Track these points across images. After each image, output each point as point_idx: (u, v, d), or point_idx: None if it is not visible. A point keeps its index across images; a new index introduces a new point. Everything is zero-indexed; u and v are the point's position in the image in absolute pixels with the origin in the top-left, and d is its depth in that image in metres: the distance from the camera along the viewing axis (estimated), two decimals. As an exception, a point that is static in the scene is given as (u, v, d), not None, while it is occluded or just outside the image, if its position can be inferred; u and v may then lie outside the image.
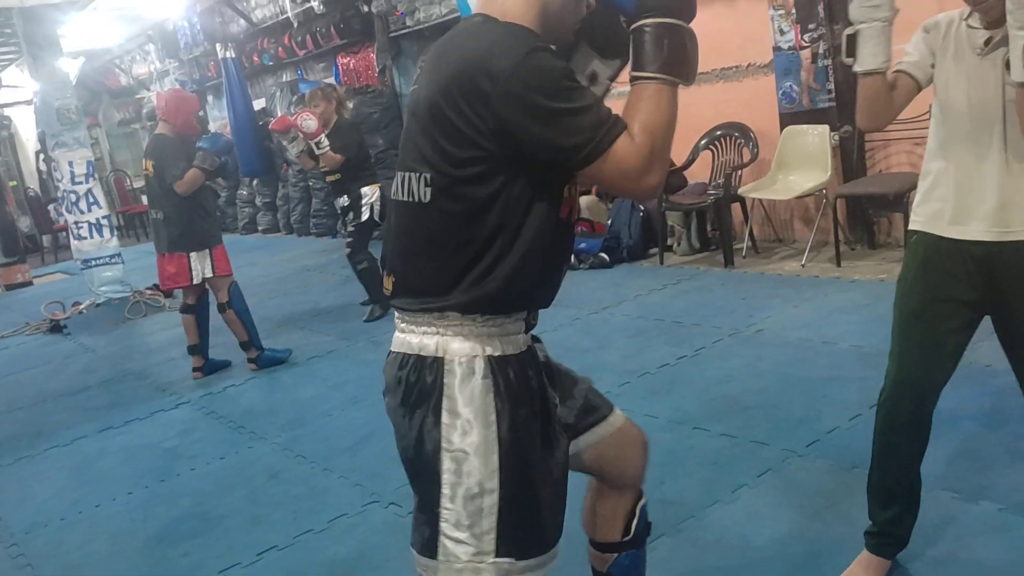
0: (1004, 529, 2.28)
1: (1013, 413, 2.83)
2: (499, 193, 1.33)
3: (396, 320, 1.49)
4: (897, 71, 1.96)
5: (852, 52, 1.85)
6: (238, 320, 4.81)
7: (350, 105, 5.77)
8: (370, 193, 5.43)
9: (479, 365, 1.40)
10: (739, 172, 5.61)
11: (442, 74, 1.33)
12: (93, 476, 3.77)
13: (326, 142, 5.24)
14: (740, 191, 5.51)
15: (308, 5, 9.03)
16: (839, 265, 4.95)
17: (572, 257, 6.03)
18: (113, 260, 7.60)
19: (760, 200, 5.66)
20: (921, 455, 2.09)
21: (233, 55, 10.24)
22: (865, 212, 5.24)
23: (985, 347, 3.41)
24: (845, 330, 3.87)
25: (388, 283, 1.49)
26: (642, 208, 6.07)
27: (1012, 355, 2.02)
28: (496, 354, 1.41)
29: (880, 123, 2.02)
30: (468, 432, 1.39)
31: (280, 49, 9.84)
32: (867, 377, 3.17)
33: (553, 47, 1.32)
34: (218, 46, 10.44)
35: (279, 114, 10.35)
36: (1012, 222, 1.86)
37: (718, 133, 5.80)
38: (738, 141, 5.70)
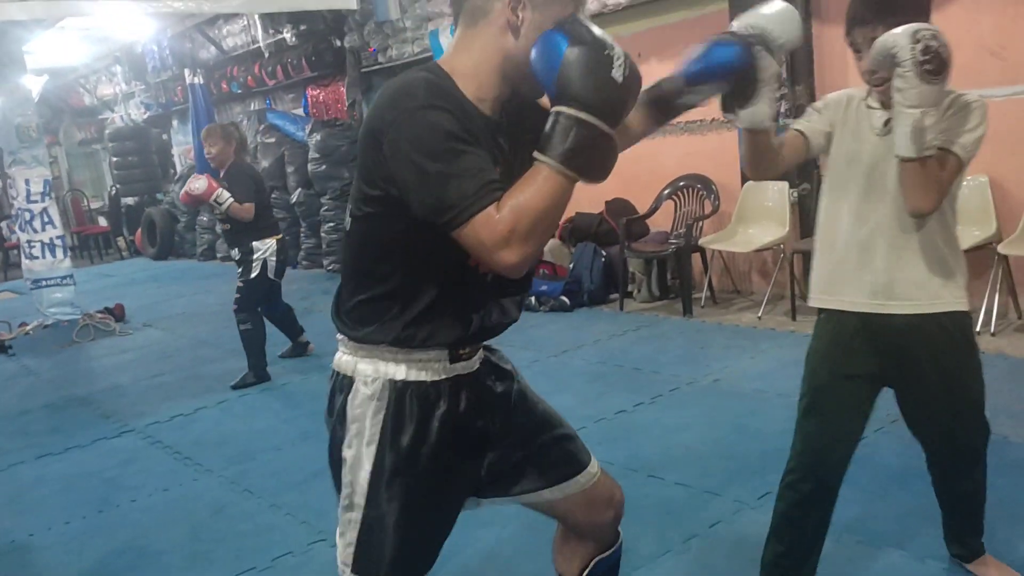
0: (951, 588, 2.29)
1: (961, 472, 2.87)
2: (402, 235, 1.37)
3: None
4: (793, 128, 2.04)
5: (730, 108, 1.82)
6: None
7: (250, 150, 5.37)
8: (263, 247, 4.90)
9: (376, 387, 1.47)
10: (700, 223, 5.70)
11: (367, 115, 1.39)
12: (29, 504, 3.63)
13: (226, 196, 4.71)
14: (701, 242, 5.59)
15: (280, 36, 9.05)
16: (795, 319, 5.02)
17: (533, 299, 6.05)
18: (64, 281, 7.44)
19: (720, 251, 5.74)
20: (823, 534, 2.09)
21: (201, 81, 10.19)
22: (821, 268, 5.34)
23: (935, 406, 3.47)
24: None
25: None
26: (604, 254, 6.11)
27: (906, 418, 2.10)
28: (399, 378, 1.46)
29: (767, 175, 2.05)
30: (351, 446, 1.48)
31: (250, 78, 9.82)
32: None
33: (450, 107, 1.29)
34: (187, 71, 10.39)
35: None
36: (903, 295, 1.92)
37: (681, 184, 5.90)
38: (700, 193, 5.80)
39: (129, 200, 12.94)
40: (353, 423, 1.48)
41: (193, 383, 4.93)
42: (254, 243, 4.89)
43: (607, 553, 1.76)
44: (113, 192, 13.35)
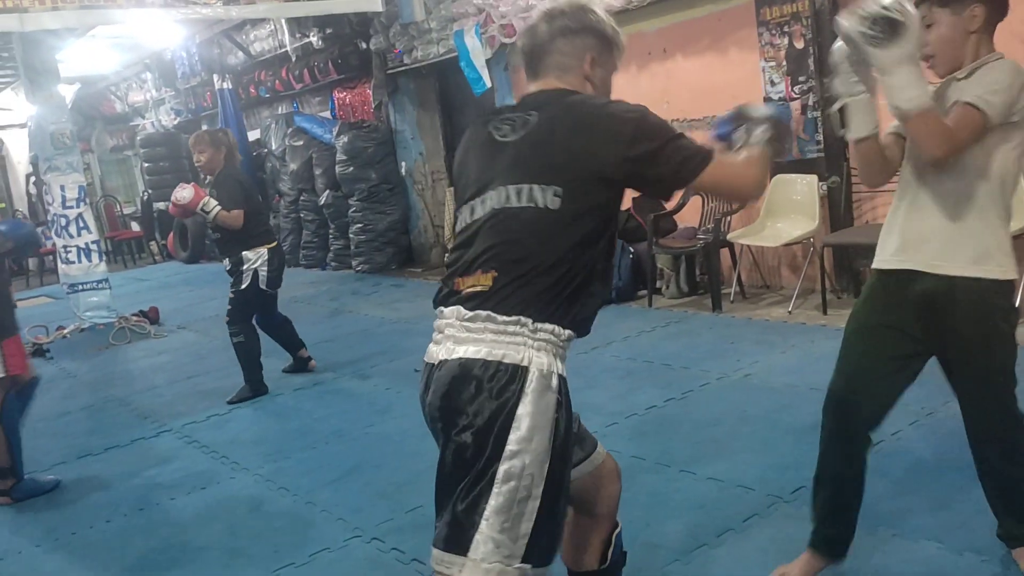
0: (988, 581, 2.28)
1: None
2: (598, 216, 1.61)
3: (457, 328, 1.59)
4: (889, 132, 2.08)
5: (844, 123, 2.03)
6: (4, 443, 3.70)
7: (240, 156, 5.10)
8: (254, 257, 4.71)
9: (554, 381, 1.57)
10: (728, 218, 5.67)
11: (572, 116, 1.65)
12: (71, 503, 3.71)
13: (212, 203, 4.59)
14: (729, 237, 5.56)
15: (307, 40, 9.14)
16: (825, 313, 4.98)
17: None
18: (100, 285, 7.57)
19: (748, 246, 5.71)
20: (851, 474, 2.19)
21: (230, 86, 10.30)
22: (851, 261, 5.30)
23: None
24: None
25: (478, 285, 1.59)
26: (632, 250, 6.11)
27: (951, 384, 2.13)
28: (562, 373, 1.60)
29: (880, 180, 2.12)
30: (532, 440, 1.52)
31: (277, 82, 9.93)
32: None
33: None
34: (215, 77, 10.51)
35: (274, 146, 10.43)
36: (939, 257, 1.98)
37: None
38: (728, 187, 5.76)
39: (161, 205, 13.10)
40: (538, 416, 1.53)
41: (228, 383, 5.00)
42: (244, 253, 4.70)
43: (619, 530, 1.91)
44: (145, 197, 13.54)
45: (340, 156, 8.94)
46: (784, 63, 5.29)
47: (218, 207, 4.59)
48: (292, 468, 3.75)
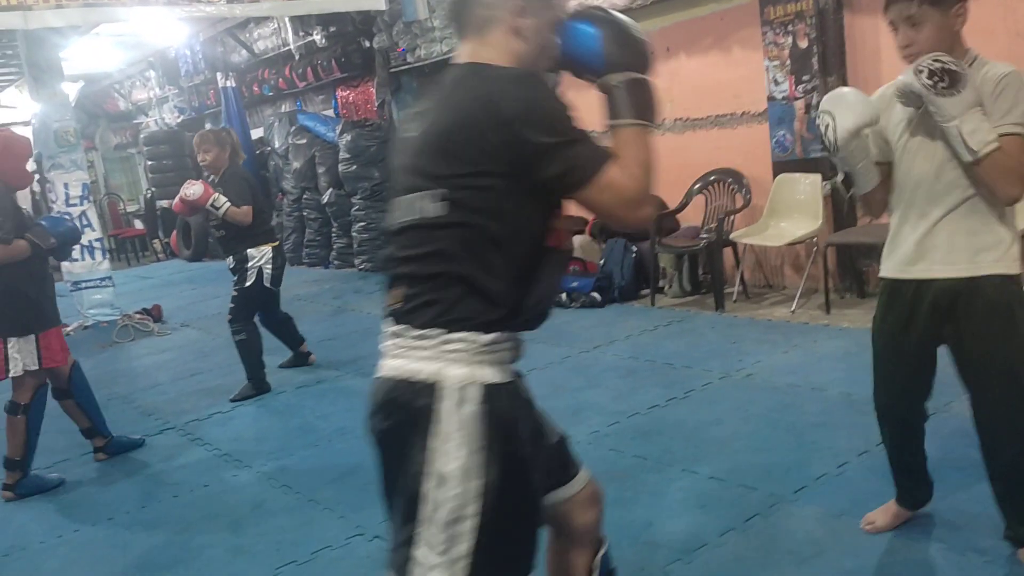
0: (991, 581, 2.28)
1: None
2: (503, 212, 1.44)
3: (388, 345, 1.53)
4: (877, 164, 2.19)
5: (850, 186, 2.21)
6: (22, 436, 3.78)
7: (244, 155, 5.06)
8: (258, 255, 4.74)
9: (472, 392, 1.45)
10: (731, 217, 5.66)
11: (459, 107, 1.46)
12: (74, 500, 3.72)
13: (223, 200, 4.61)
14: (732, 236, 5.56)
15: (310, 39, 9.14)
16: (828, 312, 4.98)
17: (564, 295, 6.06)
18: (103, 283, 7.59)
19: (751, 246, 5.71)
20: (916, 450, 2.43)
21: (233, 84, 10.31)
22: (855, 261, 5.29)
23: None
24: (834, 377, 3.89)
25: (393, 302, 1.53)
26: (635, 249, 6.11)
27: (965, 382, 2.21)
28: (489, 381, 1.46)
29: (884, 210, 2.28)
30: (453, 458, 1.43)
31: (280, 80, 9.93)
32: (856, 424, 3.18)
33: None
34: (219, 75, 10.52)
35: (277, 144, 10.44)
36: (940, 260, 2.09)
37: (712, 178, 5.87)
38: (731, 187, 5.77)
39: (164, 203, 13.13)
40: (455, 433, 1.43)
41: (231, 381, 5.01)
42: (249, 251, 4.73)
43: (604, 550, 1.80)
44: (148, 195, 13.56)
45: (343, 154, 8.95)
46: (788, 62, 5.28)
47: (228, 203, 4.61)
48: (294, 466, 3.76)
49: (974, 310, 2.06)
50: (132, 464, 4.07)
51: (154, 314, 7.69)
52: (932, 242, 2.09)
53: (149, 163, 13.18)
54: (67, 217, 4.18)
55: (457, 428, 1.43)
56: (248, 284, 4.76)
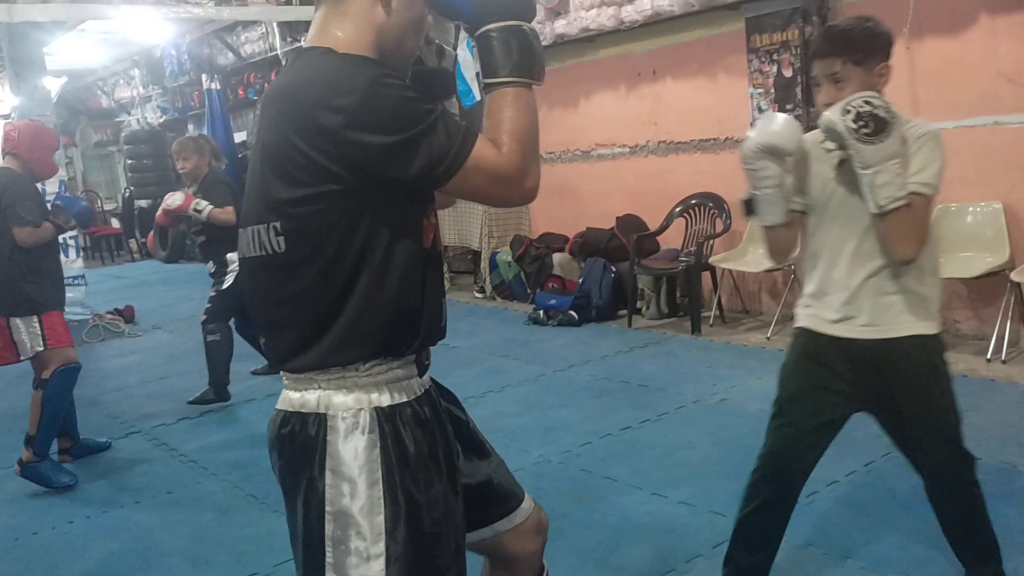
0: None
1: (967, 500, 2.84)
2: (354, 230, 1.28)
3: (283, 377, 1.41)
4: (791, 211, 2.12)
5: (751, 211, 2.09)
6: (39, 409, 3.73)
7: (226, 161, 4.99)
8: (237, 259, 4.72)
9: (364, 419, 1.32)
10: (711, 241, 5.69)
11: (282, 115, 1.28)
12: (34, 502, 3.64)
13: (204, 203, 4.58)
14: (711, 260, 5.58)
15: (298, 44, 9.12)
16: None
17: (542, 313, 6.04)
18: (76, 281, 7.47)
19: (730, 270, 5.73)
20: (778, 543, 2.20)
21: (218, 87, 10.25)
22: (831, 290, 5.32)
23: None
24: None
25: (266, 349, 1.42)
26: (613, 269, 6.11)
27: (897, 446, 2.16)
28: (385, 404, 1.34)
29: (786, 258, 2.21)
30: (351, 492, 1.30)
31: (266, 84, 9.89)
32: (826, 455, 3.18)
33: (392, 70, 1.30)
34: (204, 76, 10.46)
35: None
36: (868, 321, 2.01)
37: (693, 202, 5.90)
38: (712, 211, 5.80)
39: (143, 203, 13.02)
40: (349, 465, 1.30)
41: (200, 386, 4.92)
42: (229, 255, 4.67)
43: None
44: (127, 194, 13.44)
45: (326, 162, 8.91)
46: (772, 90, 5.33)
47: (209, 206, 4.57)
48: (261, 476, 3.69)
49: (901, 370, 2.03)
50: (96, 468, 4.00)
51: (126, 315, 7.59)
52: (857, 304, 2.02)
53: (129, 162, 13.06)
54: (81, 198, 4.17)
55: (352, 460, 1.30)
56: (226, 286, 4.71)
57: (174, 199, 4.62)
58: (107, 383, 5.66)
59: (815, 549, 2.63)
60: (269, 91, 1.38)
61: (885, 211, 1.87)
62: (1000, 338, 4.32)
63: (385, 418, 1.33)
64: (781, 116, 2.02)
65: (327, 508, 1.31)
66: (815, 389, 2.09)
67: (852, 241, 2.01)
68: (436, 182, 1.27)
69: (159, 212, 4.78)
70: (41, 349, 3.74)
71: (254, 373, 5.22)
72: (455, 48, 1.55)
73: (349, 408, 1.32)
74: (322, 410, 1.33)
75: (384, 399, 1.34)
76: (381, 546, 1.30)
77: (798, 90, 5.19)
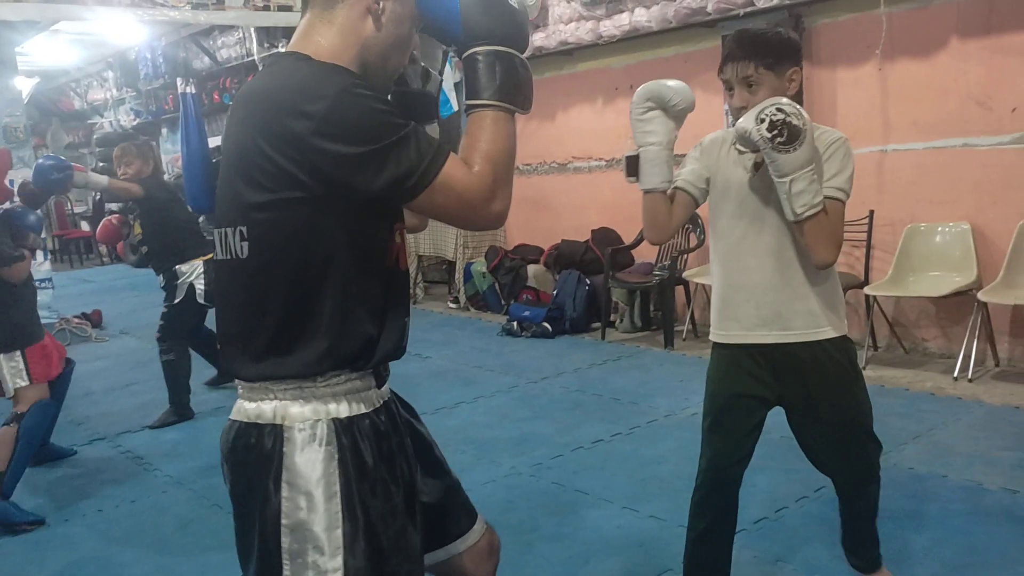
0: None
1: (934, 517, 2.87)
2: (315, 241, 1.26)
3: (237, 386, 1.38)
4: (675, 187, 2.12)
5: (634, 172, 2.04)
6: (10, 445, 3.42)
7: (164, 169, 4.89)
8: (188, 270, 4.51)
9: (320, 430, 1.29)
10: (685, 256, 5.72)
11: (251, 119, 1.26)
12: (-9, 510, 3.55)
13: (96, 176, 4.52)
14: (685, 275, 5.61)
15: (275, 50, 9.06)
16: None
17: (515, 324, 6.03)
18: (43, 284, 7.32)
19: (703, 285, 5.76)
20: (730, 550, 2.25)
21: (193, 91, 10.12)
22: (803, 306, 5.36)
23: (909, 450, 3.49)
24: (777, 421, 3.88)
25: (221, 351, 1.40)
26: (588, 282, 6.12)
27: (800, 441, 2.23)
28: (343, 416, 1.31)
29: (663, 236, 2.18)
30: (308, 506, 1.28)
31: (242, 90, 9.83)
32: (795, 469, 3.19)
33: (365, 81, 1.28)
34: (179, 80, 10.36)
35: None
36: (788, 325, 2.04)
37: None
38: (686, 226, 5.83)
39: (113, 206, 12.85)
40: (306, 478, 1.28)
41: (166, 394, 4.85)
42: (178, 266, 4.50)
43: None
44: (97, 198, 13.26)
45: (301, 169, 8.86)
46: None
47: (107, 177, 4.38)
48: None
49: (825, 372, 2.07)
50: (58, 474, 3.92)
51: (93, 319, 7.47)
52: (777, 308, 2.04)
53: (101, 164, 12.88)
54: (28, 210, 3.86)
55: (309, 472, 1.28)
56: (177, 300, 4.51)
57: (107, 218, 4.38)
58: (72, 389, 5.51)
59: (784, 564, 2.63)
60: (241, 93, 1.37)
61: (802, 218, 1.89)
62: (967, 357, 4.37)
63: (343, 430, 1.31)
64: (677, 82, 2.00)
65: (283, 521, 1.28)
66: (742, 397, 2.13)
67: (771, 244, 2.02)
68: (402, 197, 1.25)
69: (98, 235, 4.57)
70: (24, 384, 3.54)
71: (208, 384, 5.05)
72: (441, 72, 1.52)
73: (306, 419, 1.30)
74: (278, 421, 1.30)
75: (342, 410, 1.32)
76: (339, 560, 1.28)
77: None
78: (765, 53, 1.96)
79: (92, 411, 4.92)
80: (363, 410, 1.34)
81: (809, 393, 2.10)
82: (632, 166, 2.03)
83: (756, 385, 2.12)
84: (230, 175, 1.30)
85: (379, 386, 1.39)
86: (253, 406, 1.33)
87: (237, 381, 1.38)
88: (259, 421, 1.32)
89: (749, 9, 5.14)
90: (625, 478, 3.43)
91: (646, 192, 2.06)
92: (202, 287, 4.52)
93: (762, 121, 1.83)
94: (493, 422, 4.18)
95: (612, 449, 3.77)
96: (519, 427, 4.09)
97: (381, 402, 1.39)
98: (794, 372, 2.09)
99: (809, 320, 2.04)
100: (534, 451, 3.76)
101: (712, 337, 2.19)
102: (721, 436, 2.17)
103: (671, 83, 1.97)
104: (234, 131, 1.31)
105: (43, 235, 7.33)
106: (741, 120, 1.89)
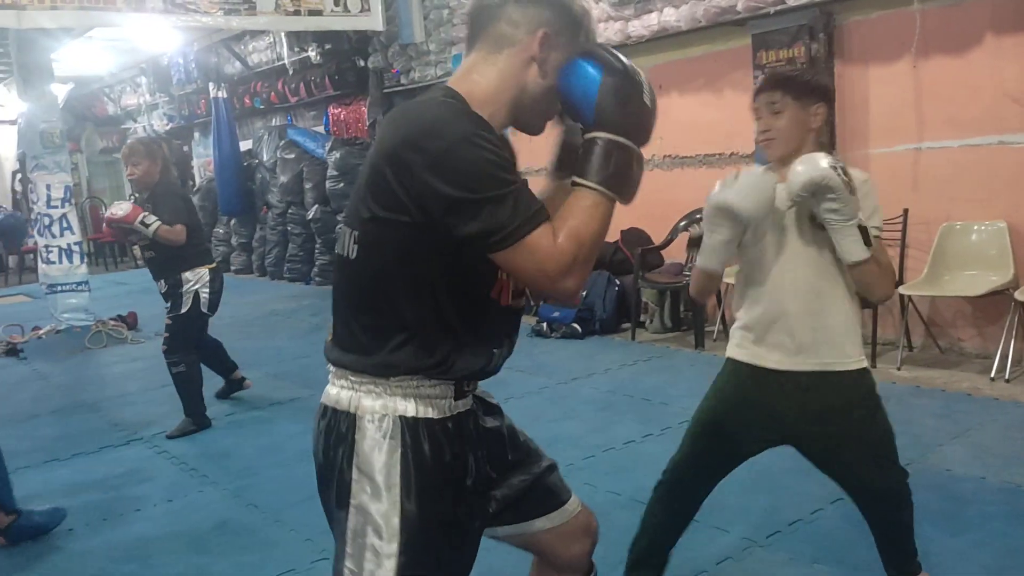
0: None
1: (972, 520, 2.83)
2: (413, 261, 1.34)
3: (329, 369, 1.51)
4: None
5: (695, 246, 2.09)
6: None
7: (175, 170, 4.79)
8: (193, 279, 4.40)
9: (387, 424, 1.40)
10: (715, 256, 5.67)
11: (386, 140, 1.34)
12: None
13: (152, 218, 4.24)
14: (715, 275, 5.56)
15: (305, 55, 9.15)
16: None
17: (544, 325, 6.04)
18: (79, 287, 7.49)
19: (733, 285, 5.72)
20: (677, 535, 2.37)
21: (225, 95, 10.30)
22: (835, 306, 5.31)
23: (946, 452, 3.44)
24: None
25: (328, 335, 1.51)
26: (618, 283, 6.11)
27: (830, 474, 2.23)
28: (410, 414, 1.40)
29: (707, 299, 2.33)
30: (371, 492, 1.39)
31: (272, 94, 9.93)
32: (830, 471, 3.17)
33: (492, 134, 1.31)
34: (211, 85, 10.50)
35: (265, 157, 10.40)
36: (817, 354, 2.06)
37: (698, 216, 5.89)
38: (716, 226, 5.79)
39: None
40: (371, 465, 1.39)
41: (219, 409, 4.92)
42: (184, 274, 4.38)
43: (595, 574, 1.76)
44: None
45: (331, 171, 8.93)
46: (778, 106, 5.33)
47: (158, 222, 4.24)
48: (262, 485, 3.69)
49: (848, 402, 2.09)
50: (95, 475, 3.98)
51: (129, 321, 7.59)
52: (802, 338, 2.06)
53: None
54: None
55: (374, 461, 1.39)
56: (185, 310, 4.41)
57: (120, 208, 4.30)
58: (109, 390, 5.66)
59: (821, 566, 2.61)
60: (390, 113, 1.46)
61: (860, 261, 1.92)
62: (1004, 357, 4.31)
63: (408, 428, 1.40)
64: (755, 174, 1.98)
65: (351, 501, 1.40)
66: (741, 425, 2.16)
67: (801, 275, 2.05)
68: (486, 249, 1.30)
69: (104, 225, 4.41)
70: None
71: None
72: None
73: (376, 412, 1.40)
74: (352, 410, 1.41)
75: (410, 409, 1.40)
76: (395, 547, 1.37)
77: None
78: (791, 85, 2.05)
79: (128, 412, 5.00)
80: (431, 415, 1.42)
81: (828, 422, 2.11)
82: (694, 241, 2.13)
83: (762, 416, 2.14)
84: (361, 183, 1.40)
85: (457, 397, 1.45)
86: (335, 391, 1.45)
87: (328, 364, 1.48)
88: (337, 407, 1.43)
89: (780, 7, 5.10)
90: (657, 479, 3.41)
91: (700, 267, 2.12)
92: (207, 295, 4.45)
93: (836, 167, 1.86)
94: (524, 423, 4.15)
95: (644, 450, 3.76)
96: (550, 428, 4.09)
97: (455, 412, 1.45)
98: (808, 400, 2.09)
99: (836, 350, 2.07)
100: (565, 452, 3.76)
101: (732, 354, 2.22)
102: (697, 448, 2.24)
103: (745, 191, 1.93)
104: (374, 146, 1.39)
105: (79, 238, 7.50)
106: (815, 169, 1.87)
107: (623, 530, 2.97)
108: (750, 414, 2.16)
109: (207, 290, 4.45)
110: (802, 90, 2.05)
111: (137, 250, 13.28)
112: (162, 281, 4.45)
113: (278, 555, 3.00)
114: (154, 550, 3.14)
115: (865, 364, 2.12)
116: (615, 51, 1.40)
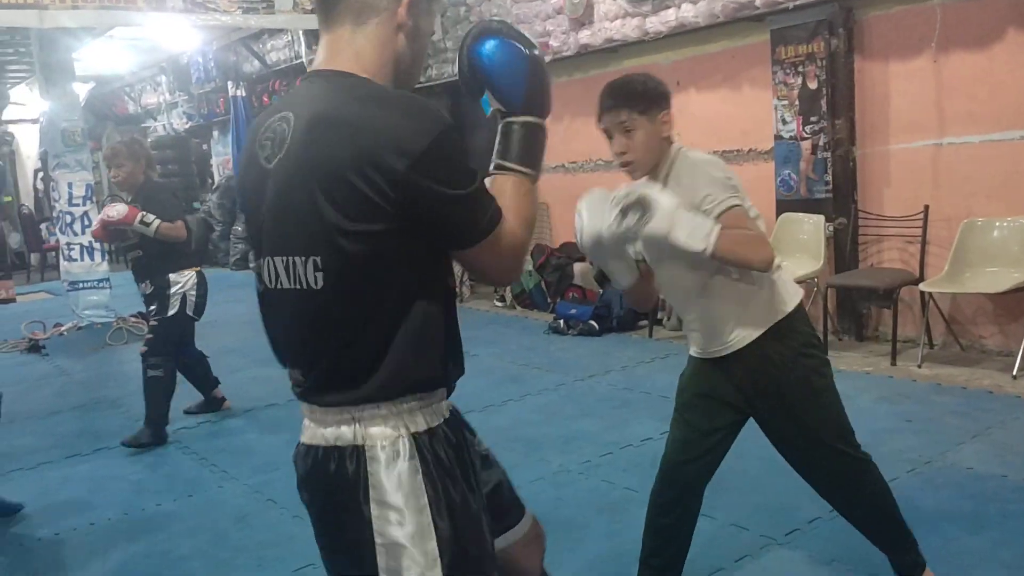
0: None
1: (993, 518, 2.81)
2: (395, 272, 1.26)
3: (304, 411, 1.39)
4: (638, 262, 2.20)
5: (605, 281, 2.13)
6: None
7: (157, 169, 4.57)
8: (181, 281, 4.31)
9: (402, 446, 1.30)
10: (733, 253, 5.65)
11: (341, 149, 1.21)
12: (55, 504, 3.66)
13: (152, 217, 4.16)
14: (733, 272, 5.54)
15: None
16: (826, 354, 4.95)
17: (562, 323, 6.04)
18: (101, 284, 7.57)
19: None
20: (686, 544, 2.36)
21: (243, 94, 10.36)
22: (855, 304, 5.28)
23: (967, 450, 3.41)
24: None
25: (293, 378, 1.40)
26: (635, 280, 6.09)
27: (779, 448, 2.30)
28: (421, 429, 1.32)
29: (653, 303, 2.42)
30: (399, 520, 1.28)
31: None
32: (849, 469, 3.15)
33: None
34: (230, 84, 10.57)
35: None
36: (724, 340, 2.16)
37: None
38: (734, 223, 5.76)
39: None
40: (394, 494, 1.28)
41: (226, 389, 4.96)
42: (171, 276, 4.27)
43: None
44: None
45: (348, 169, 8.95)
46: (796, 102, 5.30)
47: (158, 220, 4.17)
48: (281, 480, 3.71)
49: (773, 361, 2.15)
50: (116, 470, 4.02)
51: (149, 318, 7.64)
52: (709, 332, 2.17)
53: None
54: None
55: (396, 488, 1.28)
56: (172, 313, 4.29)
57: (116, 210, 4.20)
58: (129, 385, 5.69)
59: (840, 564, 2.60)
60: (305, 107, 1.30)
61: (713, 249, 1.89)
62: (1027, 354, 4.27)
63: (424, 443, 1.32)
64: (594, 198, 1.98)
65: (377, 540, 1.28)
66: (703, 396, 2.25)
67: (688, 279, 2.13)
68: (456, 244, 1.28)
69: (95, 225, 4.40)
70: None
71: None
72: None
73: (387, 436, 1.30)
74: (359, 442, 1.30)
75: (420, 423, 1.32)
76: (438, 571, 1.29)
77: (823, 102, 5.16)
78: (635, 101, 2.05)
79: (149, 408, 5.04)
80: (437, 421, 1.35)
81: (764, 396, 2.16)
82: (601, 279, 2.17)
83: (715, 389, 2.21)
84: (294, 203, 1.26)
85: (447, 396, 1.41)
86: (331, 430, 1.32)
87: (305, 406, 1.38)
88: (339, 444, 1.31)
89: (798, 2, 5.07)
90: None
91: (628, 288, 2.18)
92: (194, 298, 4.38)
93: (624, 214, 1.87)
94: (541, 420, 4.19)
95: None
96: (567, 425, 4.09)
97: (449, 413, 1.40)
98: (744, 377, 2.16)
99: (741, 329, 2.13)
100: (583, 449, 3.77)
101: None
102: (678, 428, 2.29)
103: (591, 218, 1.96)
104: (307, 151, 1.25)
105: (86, 239, 7.56)
106: (605, 232, 1.92)
107: (641, 527, 2.97)
108: (704, 389, 2.25)
109: (195, 292, 4.38)
110: (648, 103, 2.06)
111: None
112: (147, 282, 4.35)
113: (298, 549, 3.02)
114: (175, 544, 3.17)
115: (773, 321, 2.13)
116: (518, 28, 1.43)
